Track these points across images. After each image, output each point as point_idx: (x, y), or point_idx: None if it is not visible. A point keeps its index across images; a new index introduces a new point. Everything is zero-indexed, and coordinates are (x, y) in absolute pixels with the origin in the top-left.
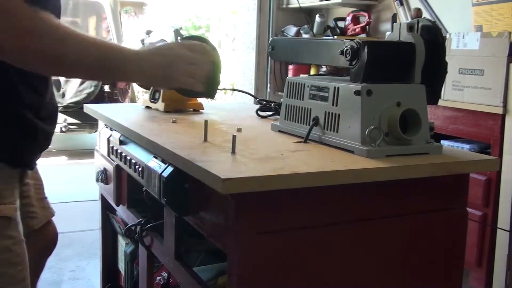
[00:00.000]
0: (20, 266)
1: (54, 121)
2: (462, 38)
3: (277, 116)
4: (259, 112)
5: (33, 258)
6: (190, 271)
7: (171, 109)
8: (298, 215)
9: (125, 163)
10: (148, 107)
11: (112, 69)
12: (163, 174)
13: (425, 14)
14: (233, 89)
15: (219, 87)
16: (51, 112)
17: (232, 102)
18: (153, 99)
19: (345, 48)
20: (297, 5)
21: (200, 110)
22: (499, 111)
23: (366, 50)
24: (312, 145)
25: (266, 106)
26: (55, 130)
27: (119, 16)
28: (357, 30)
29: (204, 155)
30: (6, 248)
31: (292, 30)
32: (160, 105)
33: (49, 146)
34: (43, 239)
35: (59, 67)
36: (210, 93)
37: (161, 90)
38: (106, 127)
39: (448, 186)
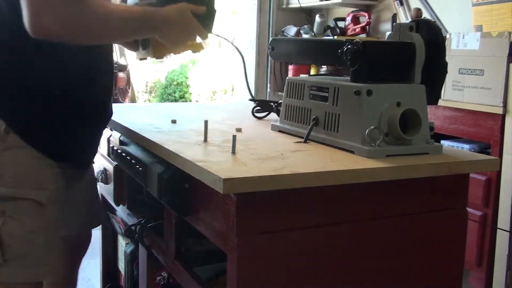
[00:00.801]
0: (44, 248)
1: (100, 123)
2: (462, 38)
3: (274, 114)
4: (255, 114)
5: (71, 252)
6: (190, 271)
7: (162, 55)
8: (298, 215)
9: (125, 163)
10: (142, 59)
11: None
12: (163, 174)
13: (425, 14)
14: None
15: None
16: (103, 113)
17: (232, 102)
18: (144, 48)
19: (346, 48)
20: (297, 5)
21: (200, 51)
22: (499, 111)
23: (366, 50)
24: (312, 145)
25: (259, 105)
26: None
27: None
28: (357, 30)
29: (204, 155)
30: (33, 231)
31: (292, 30)
32: (151, 51)
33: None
34: (86, 240)
35: (102, 41)
36: (206, 26)
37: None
38: (106, 127)
39: (448, 186)
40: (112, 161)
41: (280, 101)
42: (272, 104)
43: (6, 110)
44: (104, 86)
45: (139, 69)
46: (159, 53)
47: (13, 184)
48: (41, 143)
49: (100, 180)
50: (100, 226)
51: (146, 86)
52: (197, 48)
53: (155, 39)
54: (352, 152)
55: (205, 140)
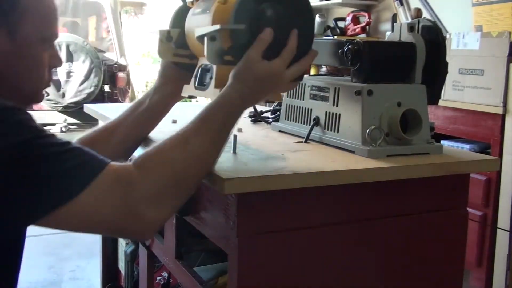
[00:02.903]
0: None
1: None
2: (462, 38)
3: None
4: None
5: None
6: (190, 271)
7: None
8: (298, 215)
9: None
10: (192, 97)
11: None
12: None
13: (425, 14)
14: None
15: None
16: None
17: None
18: (201, 84)
19: (346, 48)
20: None
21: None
22: (499, 111)
23: (366, 50)
24: (312, 145)
25: (255, 117)
26: (56, 130)
27: (119, 16)
28: (357, 30)
29: None
30: None
31: None
32: (212, 92)
33: None
34: None
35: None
36: (300, 78)
37: (214, 69)
38: None
39: (448, 186)
40: None
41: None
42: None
43: None
44: None
45: (139, 69)
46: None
47: None
48: None
49: None
50: None
51: (146, 86)
52: (275, 98)
53: (222, 74)
54: (352, 152)
55: None
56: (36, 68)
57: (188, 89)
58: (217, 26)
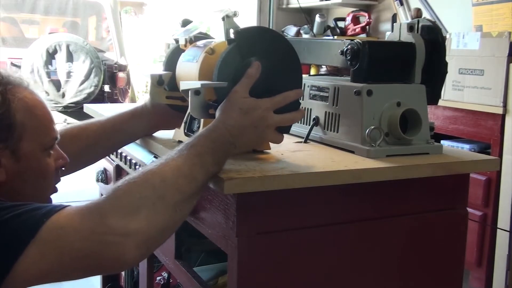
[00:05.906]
0: None
1: None
2: (462, 38)
3: None
4: None
5: None
6: (190, 271)
7: None
8: (298, 215)
9: (125, 163)
10: (181, 142)
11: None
12: None
13: (425, 14)
14: None
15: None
16: None
17: None
18: (190, 130)
19: (346, 48)
20: (297, 5)
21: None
22: (499, 111)
23: (366, 50)
24: (312, 145)
25: None
26: None
27: (119, 16)
28: (357, 30)
29: None
30: None
31: (292, 30)
32: None
33: None
34: None
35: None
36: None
37: (202, 120)
38: None
39: (448, 186)
40: (112, 161)
41: None
42: None
43: None
44: None
45: (139, 69)
46: None
47: None
48: None
49: (100, 180)
50: None
51: (146, 86)
52: (264, 147)
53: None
54: (352, 152)
55: None
56: (43, 178)
57: (178, 134)
58: (199, 84)
